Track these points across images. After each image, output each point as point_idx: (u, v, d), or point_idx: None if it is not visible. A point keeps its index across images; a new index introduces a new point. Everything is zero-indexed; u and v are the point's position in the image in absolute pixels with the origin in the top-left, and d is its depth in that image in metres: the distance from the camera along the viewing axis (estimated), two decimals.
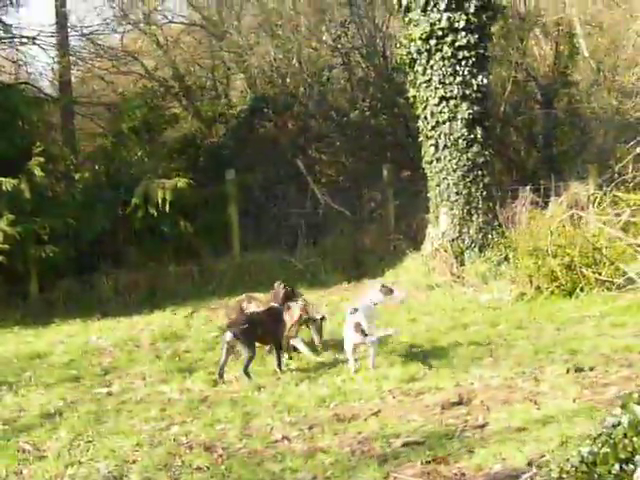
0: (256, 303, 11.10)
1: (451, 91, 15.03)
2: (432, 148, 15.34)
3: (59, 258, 14.82)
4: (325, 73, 22.49)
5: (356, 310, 9.59)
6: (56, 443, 8.01)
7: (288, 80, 22.59)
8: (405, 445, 7.15)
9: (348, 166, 22.31)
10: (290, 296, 10.48)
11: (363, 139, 22.04)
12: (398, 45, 16.53)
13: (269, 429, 7.98)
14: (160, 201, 15.61)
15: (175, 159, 18.97)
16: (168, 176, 16.51)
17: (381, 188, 19.46)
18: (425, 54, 15.07)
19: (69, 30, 21.35)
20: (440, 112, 15.12)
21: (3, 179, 14.25)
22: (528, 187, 16.43)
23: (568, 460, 5.02)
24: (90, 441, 8.01)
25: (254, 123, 21.33)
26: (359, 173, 21.06)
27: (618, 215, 13.95)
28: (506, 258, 14.53)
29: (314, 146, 22.51)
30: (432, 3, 14.89)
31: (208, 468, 7.08)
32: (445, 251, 15.20)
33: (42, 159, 14.91)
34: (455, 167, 15.17)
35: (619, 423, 4.92)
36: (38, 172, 14.73)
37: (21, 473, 7.31)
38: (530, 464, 6.22)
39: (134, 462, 7.40)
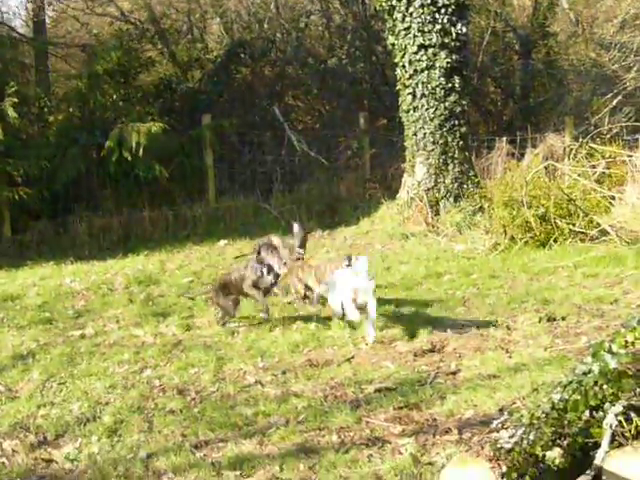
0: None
1: (430, 39, 14.93)
2: (409, 97, 15.28)
3: (33, 200, 14.71)
4: (303, 19, 22.29)
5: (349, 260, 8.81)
6: (29, 384, 8.02)
7: (265, 26, 22.39)
8: (378, 391, 7.21)
9: (325, 114, 22.22)
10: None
11: (340, 87, 21.91)
12: None
13: (242, 373, 8.01)
14: (134, 145, 15.46)
15: (150, 103, 18.80)
16: (143, 120, 16.35)
17: (357, 136, 19.39)
18: (404, 1, 14.95)
19: None
20: (418, 60, 15.03)
21: None
22: (504, 138, 16.44)
23: (539, 406, 5.08)
24: (63, 383, 8.02)
25: (230, 68, 21.12)
26: (335, 121, 20.97)
27: (593, 167, 14.02)
28: (481, 208, 14.58)
29: (291, 93, 22.37)
30: None
31: (181, 411, 7.12)
32: (420, 200, 15.22)
33: (15, 100, 14.71)
34: (432, 116, 15.12)
35: (590, 371, 4.98)
36: (11, 113, 14.55)
37: None
38: (501, 410, 6.29)
39: (107, 404, 7.43)
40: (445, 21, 14.87)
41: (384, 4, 15.27)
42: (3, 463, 6.31)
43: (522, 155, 15.94)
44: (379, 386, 7.30)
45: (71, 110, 17.65)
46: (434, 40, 14.92)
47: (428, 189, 15.28)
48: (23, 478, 6.07)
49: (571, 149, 14.60)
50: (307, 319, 9.55)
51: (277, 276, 9.29)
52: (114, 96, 17.63)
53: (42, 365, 8.52)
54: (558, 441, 4.88)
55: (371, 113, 19.50)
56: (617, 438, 4.85)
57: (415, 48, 15.00)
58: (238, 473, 5.85)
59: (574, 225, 12.74)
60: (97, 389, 7.76)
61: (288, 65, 22.13)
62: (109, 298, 11.41)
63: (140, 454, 6.34)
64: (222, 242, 15.22)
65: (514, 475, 4.78)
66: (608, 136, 15.25)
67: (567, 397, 4.90)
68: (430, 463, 5.75)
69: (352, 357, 8.22)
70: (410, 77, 15.20)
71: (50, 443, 6.71)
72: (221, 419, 6.81)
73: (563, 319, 8.98)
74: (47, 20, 21.45)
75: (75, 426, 6.97)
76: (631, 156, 13.95)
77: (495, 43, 22.28)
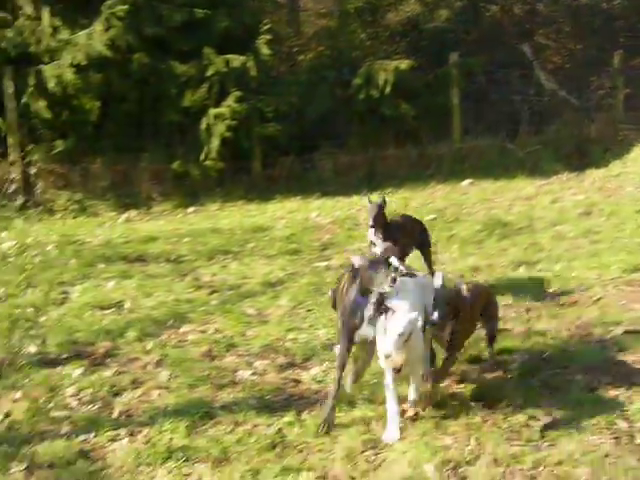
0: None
1: None
2: None
3: (282, 137, 15.11)
4: None
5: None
6: (278, 310, 8.35)
7: None
8: (626, 333, 6.98)
9: (576, 52, 21.40)
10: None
11: (593, 24, 21.03)
12: None
13: None
14: (382, 83, 15.55)
15: (397, 42, 18.81)
16: (390, 58, 16.39)
17: (610, 76, 18.58)
18: None
19: None
20: None
21: (231, 56, 14.58)
22: None
23: None
24: (310, 310, 8.29)
25: (479, 6, 20.74)
26: (587, 60, 20.17)
27: None
28: None
29: (541, 31, 21.70)
30: None
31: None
32: None
33: (269, 38, 15.12)
34: None
35: None
36: (265, 51, 14.97)
37: (244, 335, 7.66)
38: None
39: None
40: None
41: None
42: (254, 380, 6.62)
43: None
44: (628, 328, 7.07)
45: (320, 48, 17.95)
46: None
47: None
48: (273, 395, 6.34)
49: None
50: (550, 259, 9.39)
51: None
52: (362, 35, 17.77)
53: (290, 292, 8.84)
54: None
55: (626, 51, 18.58)
56: None
57: None
58: (482, 404, 5.86)
59: None
60: None
61: (538, 2, 21.47)
62: (353, 232, 11.61)
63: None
64: (466, 182, 15.10)
65: None
66: None
67: None
68: None
69: (599, 298, 8.00)
70: None
71: (298, 365, 6.97)
72: (465, 354, 6.82)
73: None
74: None
75: (321, 350, 7.20)
76: None
77: None
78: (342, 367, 5.89)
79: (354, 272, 6.01)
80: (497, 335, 6.54)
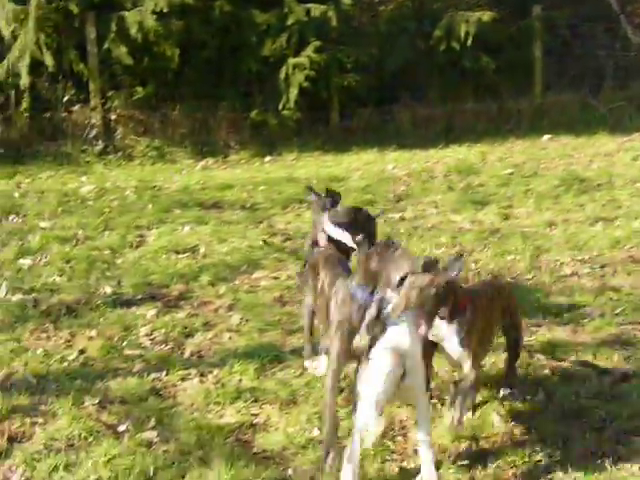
0: None
1: None
2: None
3: (361, 88, 15.02)
4: None
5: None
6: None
7: None
8: None
9: None
10: None
11: None
12: None
13: (559, 264, 7.91)
14: (463, 35, 15.32)
15: None
16: (472, 10, 16.12)
17: None
18: None
19: None
20: None
21: (312, 5, 14.51)
22: None
23: None
24: None
25: None
26: None
27: None
28: None
29: None
30: None
31: None
32: None
33: None
34: None
35: None
36: (345, 0, 14.85)
37: None
38: None
39: None
40: None
41: None
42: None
43: None
44: None
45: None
46: None
47: None
48: None
49: None
50: (629, 216, 9.25)
51: None
52: None
53: None
54: None
55: None
56: None
57: None
58: (550, 356, 5.83)
59: None
60: None
61: None
62: (429, 185, 11.57)
63: None
64: (545, 137, 14.87)
65: None
66: None
67: None
68: None
69: None
70: None
71: None
72: (535, 305, 6.78)
73: None
74: None
75: None
76: None
77: None
78: (334, 389, 4.67)
79: (334, 259, 5.15)
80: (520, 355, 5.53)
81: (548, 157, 13.16)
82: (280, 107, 14.42)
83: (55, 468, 4.65)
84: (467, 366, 4.87)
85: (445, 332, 4.83)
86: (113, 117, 14.07)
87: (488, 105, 15.99)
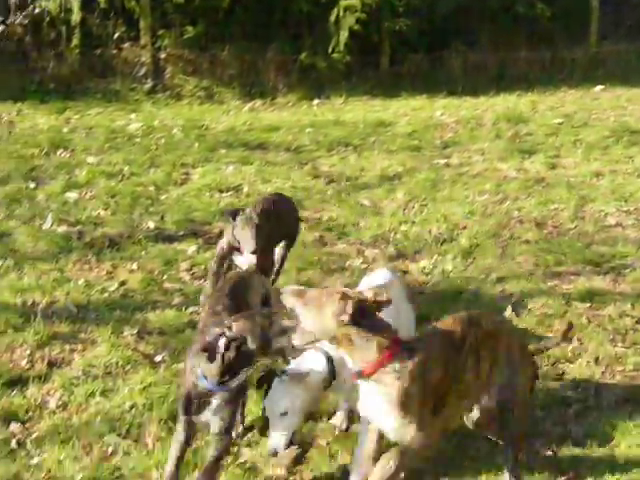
0: None
1: None
2: None
3: (412, 32, 14.82)
4: None
5: None
6: (392, 203, 8.39)
7: None
8: None
9: None
10: None
11: None
12: None
13: (603, 215, 7.87)
14: None
15: None
16: None
17: None
18: None
19: None
20: None
21: None
22: None
23: None
24: (424, 205, 8.30)
25: None
26: None
27: None
28: None
29: None
30: None
31: (536, 242, 7.18)
32: None
33: None
34: None
35: None
36: None
37: (357, 224, 7.74)
38: None
39: (464, 228, 7.64)
40: None
41: None
42: (363, 268, 6.70)
43: None
44: None
45: None
46: None
47: None
48: None
49: None
50: None
51: None
52: None
53: (406, 187, 8.84)
54: None
55: None
56: None
57: None
58: (587, 305, 5.81)
59: None
60: (456, 214, 7.95)
61: None
62: (476, 132, 11.45)
63: (491, 276, 6.48)
64: (598, 87, 14.61)
65: None
66: None
67: None
68: None
69: None
70: None
71: (407, 257, 7.03)
72: (575, 254, 6.76)
73: None
74: None
75: (432, 244, 7.26)
76: None
77: None
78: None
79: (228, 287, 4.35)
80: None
81: (600, 108, 12.94)
82: (330, 50, 14.28)
83: (92, 394, 4.78)
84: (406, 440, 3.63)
85: (362, 392, 3.72)
86: (163, 56, 14.03)
87: (541, 53, 15.71)
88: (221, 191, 8.64)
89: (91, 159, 9.66)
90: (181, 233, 7.43)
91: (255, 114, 13.06)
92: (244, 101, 13.86)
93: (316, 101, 14.01)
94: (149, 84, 13.76)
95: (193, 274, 6.55)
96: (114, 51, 13.86)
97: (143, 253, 6.90)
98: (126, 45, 13.90)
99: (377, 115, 12.69)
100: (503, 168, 9.59)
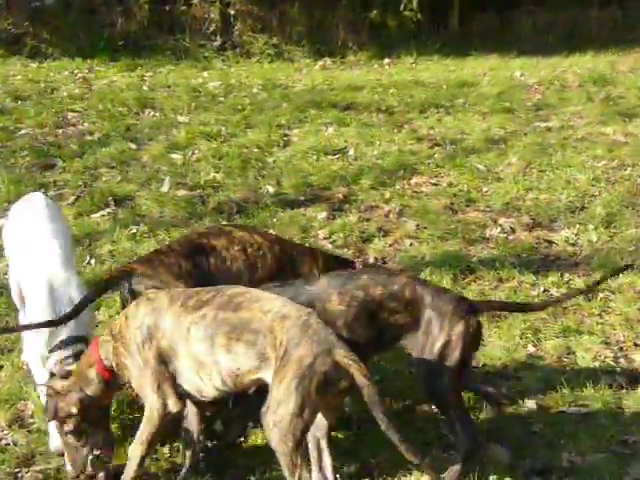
0: None
1: None
2: None
3: None
4: None
5: None
6: (508, 168, 8.12)
7: None
8: None
9: None
10: None
11: None
12: None
13: None
14: None
15: None
16: None
17: None
18: None
19: None
20: None
21: None
22: None
23: None
24: (543, 170, 8.04)
25: None
26: None
27: None
28: None
29: None
30: None
31: None
32: None
33: None
34: None
35: None
36: None
37: (481, 190, 7.49)
38: None
39: (593, 196, 7.37)
40: None
41: None
42: (505, 238, 6.46)
43: None
44: None
45: None
46: None
47: None
48: (529, 254, 6.19)
49: None
50: None
51: None
52: None
53: (516, 151, 8.56)
54: None
55: None
56: None
57: None
58: None
59: None
60: (580, 180, 7.69)
61: None
62: (565, 94, 11.13)
63: None
64: None
65: None
66: None
67: None
68: None
69: None
70: None
71: (544, 226, 6.77)
72: None
73: None
74: None
75: (566, 213, 6.98)
76: None
77: None
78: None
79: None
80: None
81: None
82: (401, 8, 13.93)
83: None
84: None
85: None
86: (232, 12, 13.71)
87: (613, 12, 15.33)
88: (327, 154, 8.37)
89: (182, 118, 9.44)
90: (302, 198, 7.20)
91: (329, 73, 12.77)
92: (314, 59, 13.58)
93: (386, 60, 13.72)
94: (218, 41, 13.50)
95: (333, 242, 6.33)
96: (183, 7, 13.55)
97: (274, 220, 6.67)
98: (195, 1, 13.58)
99: (455, 75, 12.39)
100: (608, 132, 9.28)
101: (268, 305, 3.44)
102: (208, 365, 3.46)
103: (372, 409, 3.26)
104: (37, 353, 4.00)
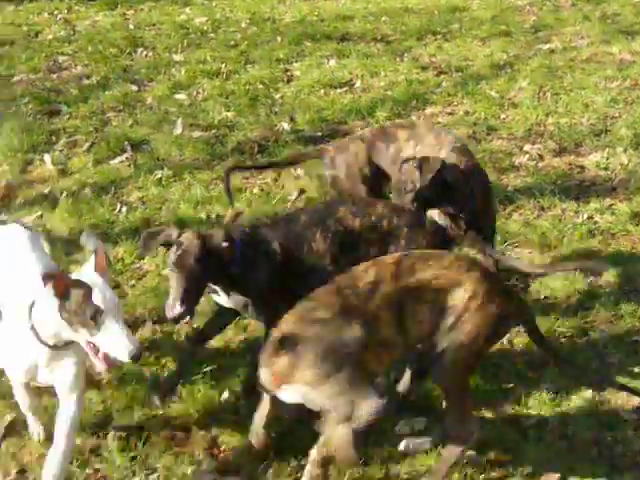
0: None
1: None
2: None
3: None
4: None
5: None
6: (521, 93, 7.96)
7: None
8: None
9: None
10: None
11: None
12: None
13: None
14: None
15: None
16: None
17: None
18: None
19: None
20: None
21: None
22: None
23: None
24: (557, 94, 7.89)
25: None
26: None
27: None
28: None
29: None
30: None
31: None
32: None
33: None
34: None
35: None
36: None
37: (500, 118, 7.34)
38: None
39: (614, 117, 7.24)
40: None
41: None
42: (536, 165, 6.33)
43: None
44: None
45: None
46: None
47: None
48: (563, 180, 6.07)
49: None
50: None
51: None
52: None
53: (526, 76, 8.40)
54: None
55: None
56: None
57: None
58: None
59: None
60: (597, 102, 7.56)
61: None
62: (560, 14, 10.89)
63: None
64: None
65: None
66: None
67: None
68: None
69: None
70: None
71: (571, 151, 6.65)
72: None
73: None
74: None
75: (591, 136, 6.86)
76: None
77: None
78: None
79: None
80: None
81: None
82: None
83: None
84: None
85: None
86: None
87: None
88: (334, 87, 8.16)
89: (177, 57, 9.11)
90: (319, 134, 7.00)
91: (313, 3, 12.35)
92: None
93: None
94: None
95: None
96: None
97: None
98: None
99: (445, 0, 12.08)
100: (614, 52, 9.13)
101: None
102: None
103: None
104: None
